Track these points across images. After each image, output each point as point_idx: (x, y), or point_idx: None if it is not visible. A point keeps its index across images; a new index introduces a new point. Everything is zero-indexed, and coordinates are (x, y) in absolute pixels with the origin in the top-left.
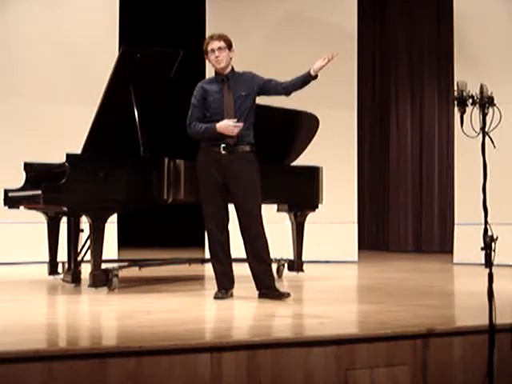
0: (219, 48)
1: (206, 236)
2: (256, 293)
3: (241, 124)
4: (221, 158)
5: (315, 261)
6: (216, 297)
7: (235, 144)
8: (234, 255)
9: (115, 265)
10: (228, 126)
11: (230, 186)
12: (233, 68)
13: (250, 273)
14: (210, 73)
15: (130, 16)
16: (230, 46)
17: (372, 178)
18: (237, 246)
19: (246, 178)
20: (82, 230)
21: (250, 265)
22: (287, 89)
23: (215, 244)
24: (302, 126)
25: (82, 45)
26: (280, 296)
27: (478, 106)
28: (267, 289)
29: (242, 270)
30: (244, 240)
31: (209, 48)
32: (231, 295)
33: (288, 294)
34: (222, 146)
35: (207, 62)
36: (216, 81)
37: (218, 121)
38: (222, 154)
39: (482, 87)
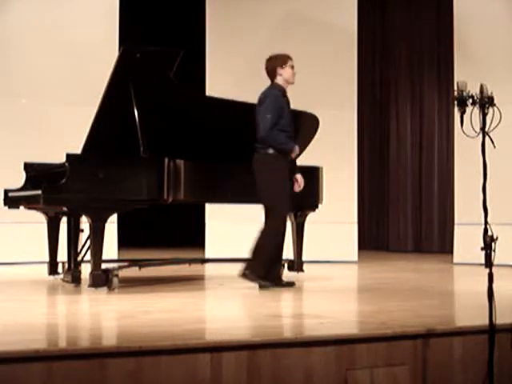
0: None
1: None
2: (256, 292)
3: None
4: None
5: (315, 261)
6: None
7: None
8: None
9: (115, 265)
10: (296, 152)
11: None
12: None
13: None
14: (210, 73)
15: (129, 16)
16: None
17: (372, 178)
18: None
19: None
20: (82, 230)
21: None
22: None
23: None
24: (303, 126)
25: (82, 45)
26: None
27: (478, 105)
28: (246, 269)
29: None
30: None
31: (290, 63)
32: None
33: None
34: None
35: (207, 63)
36: (283, 96)
37: (287, 132)
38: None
39: (481, 87)
